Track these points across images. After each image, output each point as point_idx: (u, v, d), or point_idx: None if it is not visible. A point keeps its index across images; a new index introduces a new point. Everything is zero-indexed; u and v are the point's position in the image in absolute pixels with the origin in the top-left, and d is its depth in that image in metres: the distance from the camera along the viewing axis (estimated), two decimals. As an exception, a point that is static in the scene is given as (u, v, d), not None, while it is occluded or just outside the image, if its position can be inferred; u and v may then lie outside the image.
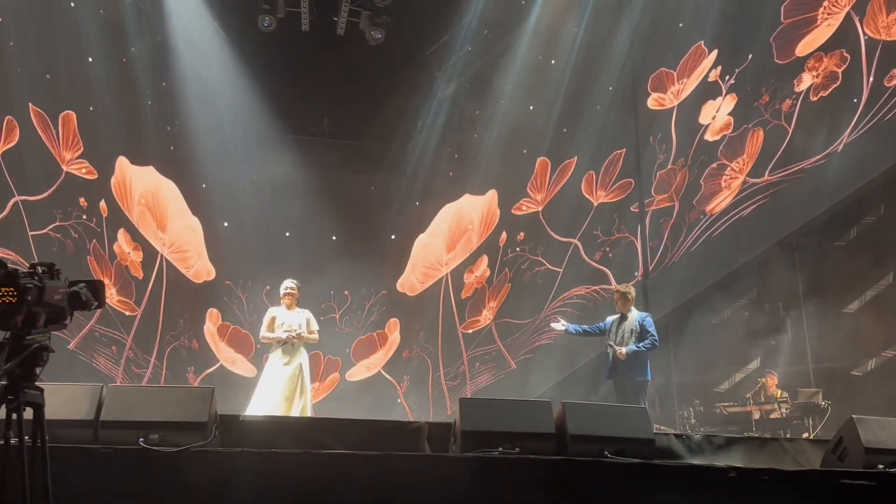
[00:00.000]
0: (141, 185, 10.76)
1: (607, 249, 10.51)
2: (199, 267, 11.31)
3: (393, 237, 12.26)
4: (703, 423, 9.01)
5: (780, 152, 8.60)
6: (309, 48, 11.10)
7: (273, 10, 10.45)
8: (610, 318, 6.86)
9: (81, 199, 9.84)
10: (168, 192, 11.06)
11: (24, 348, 2.20)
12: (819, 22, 8.32)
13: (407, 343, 12.19)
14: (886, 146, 7.64)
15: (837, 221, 8.31)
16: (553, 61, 10.98)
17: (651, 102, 10.18)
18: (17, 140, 8.88)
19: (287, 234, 11.70)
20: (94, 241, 9.97)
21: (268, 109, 11.18)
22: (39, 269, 2.26)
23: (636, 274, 9.91)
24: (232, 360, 11.36)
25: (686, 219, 9.58)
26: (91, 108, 9.82)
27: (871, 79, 7.78)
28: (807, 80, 8.39)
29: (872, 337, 7.84)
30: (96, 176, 10.01)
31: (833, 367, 8.18)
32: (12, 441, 2.18)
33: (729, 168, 9.18)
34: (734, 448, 4.66)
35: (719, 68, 9.36)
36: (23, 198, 9.01)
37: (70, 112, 9.61)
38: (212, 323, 11.30)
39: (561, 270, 11.04)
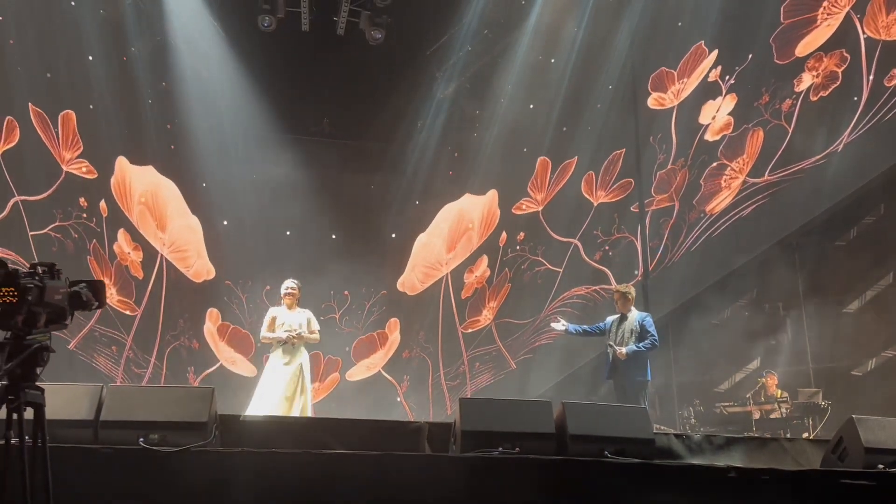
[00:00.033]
0: (141, 184, 10.76)
1: (607, 249, 10.51)
2: (199, 266, 11.31)
3: (393, 237, 12.26)
4: (703, 423, 9.00)
5: (780, 152, 8.59)
6: (309, 48, 11.10)
7: (273, 10, 10.45)
8: (610, 318, 6.86)
9: (81, 199, 9.84)
10: (168, 191, 11.06)
11: (24, 348, 2.20)
12: (819, 22, 8.32)
13: (407, 343, 12.18)
14: (886, 146, 7.64)
15: (837, 221, 8.31)
16: (553, 61, 10.98)
17: (651, 102, 10.18)
18: (17, 140, 8.89)
19: (287, 233, 11.70)
20: (94, 241, 9.97)
21: (268, 109, 11.17)
22: (40, 269, 2.26)
23: (636, 274, 9.91)
24: (232, 359, 11.36)
25: (686, 219, 9.58)
26: (91, 108, 9.82)
27: (871, 79, 7.78)
28: (807, 80, 8.39)
29: (872, 337, 7.84)
30: (96, 176, 10.01)
31: (833, 367, 8.19)
32: (13, 441, 2.18)
33: (729, 168, 9.18)
34: (734, 448, 4.66)
35: (719, 68, 9.36)
36: (23, 198, 9.01)
37: (70, 111, 9.61)
38: (212, 323, 11.30)
39: (561, 270, 11.04)
